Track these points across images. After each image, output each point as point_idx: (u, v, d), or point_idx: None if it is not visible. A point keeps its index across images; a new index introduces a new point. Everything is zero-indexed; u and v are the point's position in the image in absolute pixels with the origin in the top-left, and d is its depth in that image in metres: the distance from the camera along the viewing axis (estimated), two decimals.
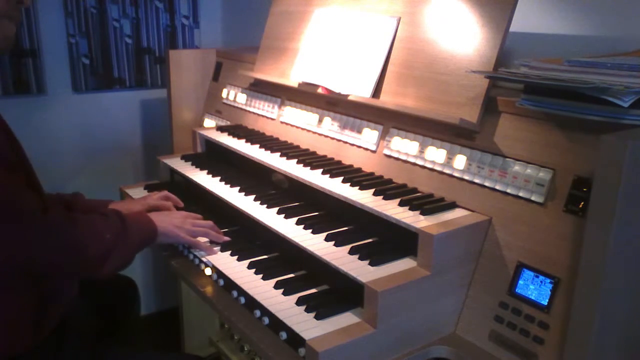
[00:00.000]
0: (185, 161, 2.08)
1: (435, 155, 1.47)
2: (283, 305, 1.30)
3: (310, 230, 1.45)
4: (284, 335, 1.23)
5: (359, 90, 1.66)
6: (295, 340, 1.19)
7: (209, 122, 2.46)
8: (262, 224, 1.53)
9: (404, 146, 1.56)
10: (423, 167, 1.51)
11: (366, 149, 1.68)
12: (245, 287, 1.37)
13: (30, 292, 1.32)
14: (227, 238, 1.60)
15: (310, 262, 1.39)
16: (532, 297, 1.21)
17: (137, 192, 2.00)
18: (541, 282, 1.20)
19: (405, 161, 1.56)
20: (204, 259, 1.53)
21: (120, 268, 1.39)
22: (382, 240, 1.43)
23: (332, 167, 1.66)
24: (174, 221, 1.55)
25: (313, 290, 1.37)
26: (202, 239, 1.59)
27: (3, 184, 1.20)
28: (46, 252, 1.26)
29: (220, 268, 1.47)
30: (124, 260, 1.39)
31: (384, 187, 1.49)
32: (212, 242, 1.60)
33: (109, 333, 1.73)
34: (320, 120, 1.86)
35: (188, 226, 1.56)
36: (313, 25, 1.90)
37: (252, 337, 1.27)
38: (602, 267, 1.01)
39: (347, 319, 1.24)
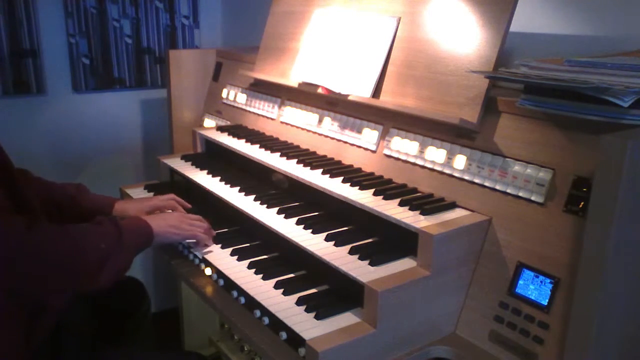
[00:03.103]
0: (185, 161, 2.08)
1: (435, 155, 1.47)
2: (283, 305, 1.30)
3: (310, 230, 1.45)
4: (284, 335, 1.23)
5: (359, 90, 1.66)
6: (295, 340, 1.19)
7: (209, 122, 2.46)
8: (262, 224, 1.53)
9: (404, 146, 1.56)
10: (423, 167, 1.51)
11: (366, 149, 1.68)
12: (245, 287, 1.37)
13: (18, 307, 1.28)
14: (214, 233, 1.61)
15: (310, 262, 1.39)
16: (532, 297, 1.21)
17: (137, 192, 2.00)
18: (541, 282, 1.20)
19: (405, 161, 1.56)
20: (205, 258, 1.53)
21: (119, 276, 1.36)
22: (382, 240, 1.43)
23: (332, 167, 1.66)
24: (169, 222, 1.54)
25: (313, 290, 1.37)
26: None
27: None
28: (33, 271, 1.22)
29: (220, 268, 1.47)
30: (121, 267, 1.36)
31: (384, 187, 1.49)
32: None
33: (116, 334, 1.72)
34: (320, 120, 1.86)
35: (185, 225, 1.55)
36: (313, 25, 1.90)
37: (252, 337, 1.27)
38: (602, 267, 1.01)
39: (347, 319, 1.24)
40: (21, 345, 1.29)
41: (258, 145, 1.90)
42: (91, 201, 1.71)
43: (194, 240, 1.58)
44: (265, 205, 1.61)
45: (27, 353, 1.30)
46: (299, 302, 1.30)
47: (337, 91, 1.71)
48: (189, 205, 1.78)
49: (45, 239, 1.24)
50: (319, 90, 1.79)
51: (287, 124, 2.01)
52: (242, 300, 1.37)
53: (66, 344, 1.43)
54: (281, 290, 1.36)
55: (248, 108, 2.23)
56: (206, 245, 1.58)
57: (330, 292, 1.36)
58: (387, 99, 1.62)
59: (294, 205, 1.63)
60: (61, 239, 1.27)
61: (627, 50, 1.37)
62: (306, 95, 1.93)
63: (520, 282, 1.24)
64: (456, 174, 1.42)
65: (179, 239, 1.56)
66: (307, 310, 1.26)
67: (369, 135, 1.67)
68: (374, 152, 1.66)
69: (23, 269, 1.21)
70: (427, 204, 1.37)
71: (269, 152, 1.83)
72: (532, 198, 1.25)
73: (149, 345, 1.90)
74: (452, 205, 1.39)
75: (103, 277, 1.31)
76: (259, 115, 2.16)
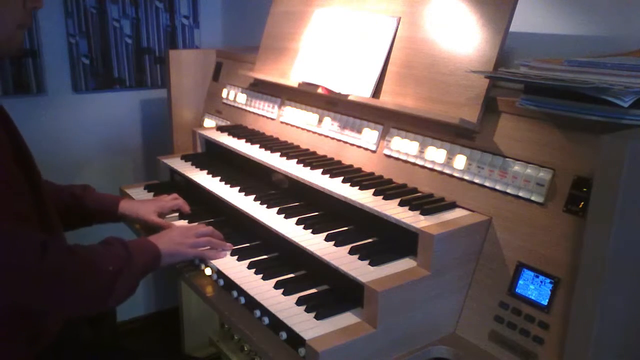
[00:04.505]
0: (185, 161, 2.08)
1: (435, 155, 1.47)
2: (283, 305, 1.29)
3: (310, 230, 1.45)
4: (284, 335, 1.22)
5: (359, 90, 1.66)
6: (295, 340, 1.19)
7: (209, 122, 2.46)
8: (262, 224, 1.53)
9: (404, 146, 1.56)
10: (423, 167, 1.51)
11: (366, 149, 1.68)
12: (245, 287, 1.37)
13: (21, 322, 1.28)
14: (230, 245, 1.57)
15: (310, 262, 1.39)
16: (532, 297, 1.21)
17: (137, 192, 2.00)
18: (541, 282, 1.20)
19: (405, 161, 1.56)
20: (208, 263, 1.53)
21: (125, 298, 1.34)
22: (382, 240, 1.43)
23: (332, 167, 1.66)
24: (174, 239, 1.49)
25: (313, 290, 1.37)
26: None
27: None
28: (44, 297, 1.22)
29: (220, 268, 1.47)
30: (129, 290, 1.34)
31: (384, 187, 1.49)
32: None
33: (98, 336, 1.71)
34: (320, 120, 1.86)
35: (190, 239, 1.51)
36: (313, 25, 1.90)
37: (252, 337, 1.27)
38: (602, 267, 1.01)
39: (347, 319, 1.24)
40: (24, 348, 1.28)
41: (258, 145, 1.90)
42: (96, 201, 1.70)
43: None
44: (265, 205, 1.61)
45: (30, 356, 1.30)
46: (299, 302, 1.30)
47: (337, 91, 1.71)
48: (189, 211, 1.78)
49: (56, 264, 1.22)
50: (319, 90, 1.79)
51: (287, 124, 2.01)
52: (242, 300, 1.37)
53: (66, 349, 1.42)
54: (281, 290, 1.36)
55: (248, 108, 2.23)
56: (219, 254, 1.54)
57: (330, 292, 1.36)
58: (387, 99, 1.62)
59: (294, 205, 1.63)
60: (70, 263, 1.25)
61: (627, 50, 1.37)
62: (306, 95, 1.93)
63: (520, 282, 1.24)
64: (456, 174, 1.42)
65: (187, 257, 1.51)
66: (307, 310, 1.26)
67: (369, 135, 1.67)
68: (374, 152, 1.66)
69: (31, 292, 1.20)
70: (427, 204, 1.37)
71: (269, 152, 1.83)
72: (532, 198, 1.25)
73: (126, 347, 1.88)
74: (452, 205, 1.39)
75: (109, 300, 1.30)
76: (259, 115, 2.16)
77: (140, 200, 1.83)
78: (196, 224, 1.68)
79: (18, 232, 1.18)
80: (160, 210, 1.74)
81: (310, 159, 1.73)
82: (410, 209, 1.36)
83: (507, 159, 1.32)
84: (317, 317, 1.24)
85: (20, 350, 1.29)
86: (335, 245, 1.39)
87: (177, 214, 1.80)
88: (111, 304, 1.32)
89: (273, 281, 1.39)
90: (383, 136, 1.64)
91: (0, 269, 1.15)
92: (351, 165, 1.70)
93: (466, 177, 1.39)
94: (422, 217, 1.33)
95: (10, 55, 1.33)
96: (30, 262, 1.17)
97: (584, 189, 1.16)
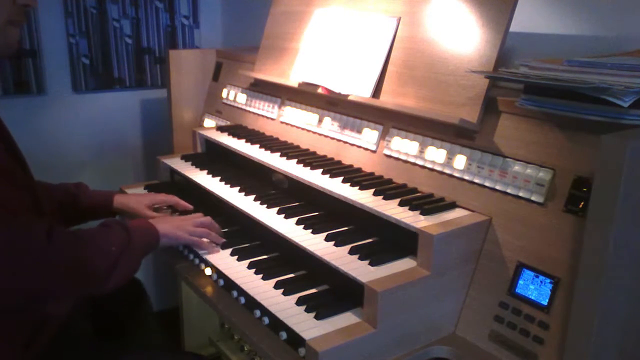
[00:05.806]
0: (185, 161, 2.08)
1: (435, 155, 1.47)
2: (283, 305, 1.29)
3: (310, 230, 1.45)
4: (284, 335, 1.22)
5: (359, 90, 1.66)
6: (295, 340, 1.19)
7: (209, 122, 2.46)
8: (262, 224, 1.53)
9: (404, 146, 1.56)
10: (423, 167, 1.51)
11: (366, 149, 1.68)
12: (245, 287, 1.37)
13: (19, 316, 1.28)
14: (224, 240, 1.59)
15: (310, 262, 1.39)
16: (532, 297, 1.21)
17: (137, 192, 2.00)
18: (541, 282, 1.20)
19: (405, 161, 1.56)
20: (205, 258, 1.53)
21: (126, 279, 1.35)
22: (382, 240, 1.43)
23: (332, 167, 1.66)
24: (173, 222, 1.54)
25: (313, 290, 1.37)
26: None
27: (7, 221, 1.16)
28: (52, 281, 1.22)
29: (220, 268, 1.47)
30: (130, 270, 1.36)
31: (384, 187, 1.49)
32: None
33: (116, 334, 1.72)
34: (320, 120, 1.86)
35: (189, 227, 1.54)
36: (313, 25, 1.90)
37: (252, 337, 1.27)
38: (602, 267, 1.01)
39: (347, 319, 1.23)
40: (20, 351, 1.28)
41: (258, 145, 1.90)
42: (90, 197, 1.71)
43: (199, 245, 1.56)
44: (265, 205, 1.61)
45: (27, 357, 1.30)
46: (299, 302, 1.30)
47: (337, 91, 1.71)
48: (191, 207, 1.78)
49: (62, 248, 1.23)
50: (319, 90, 1.79)
51: (287, 124, 2.01)
52: (242, 300, 1.37)
53: (66, 347, 1.43)
54: (281, 290, 1.36)
55: (248, 108, 2.23)
56: (214, 248, 1.56)
57: (330, 292, 1.36)
58: (387, 99, 1.62)
59: (294, 205, 1.63)
60: (75, 246, 1.27)
61: (627, 50, 1.37)
62: (306, 95, 1.93)
63: (520, 282, 1.24)
64: (456, 174, 1.42)
65: (183, 241, 1.54)
66: (307, 310, 1.26)
67: (369, 135, 1.67)
68: (374, 152, 1.66)
69: (37, 277, 1.20)
70: (427, 204, 1.37)
71: (269, 152, 1.83)
72: (532, 198, 1.25)
73: (155, 344, 1.88)
74: (452, 205, 1.39)
75: (112, 280, 1.31)
76: (259, 115, 2.16)
77: (134, 194, 1.84)
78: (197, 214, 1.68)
79: (23, 220, 1.20)
80: (152, 202, 1.75)
81: (310, 159, 1.73)
82: (410, 209, 1.36)
83: (507, 159, 1.32)
84: (317, 317, 1.24)
85: (18, 350, 1.28)
86: (335, 245, 1.39)
87: (177, 213, 1.79)
88: (112, 286, 1.32)
89: (273, 281, 1.39)
90: (383, 136, 1.64)
91: (8, 256, 1.16)
92: (351, 165, 1.70)
93: (466, 177, 1.39)
94: (422, 217, 1.33)
95: (6, 54, 1.32)
96: (37, 248, 1.19)
97: (584, 189, 1.16)
